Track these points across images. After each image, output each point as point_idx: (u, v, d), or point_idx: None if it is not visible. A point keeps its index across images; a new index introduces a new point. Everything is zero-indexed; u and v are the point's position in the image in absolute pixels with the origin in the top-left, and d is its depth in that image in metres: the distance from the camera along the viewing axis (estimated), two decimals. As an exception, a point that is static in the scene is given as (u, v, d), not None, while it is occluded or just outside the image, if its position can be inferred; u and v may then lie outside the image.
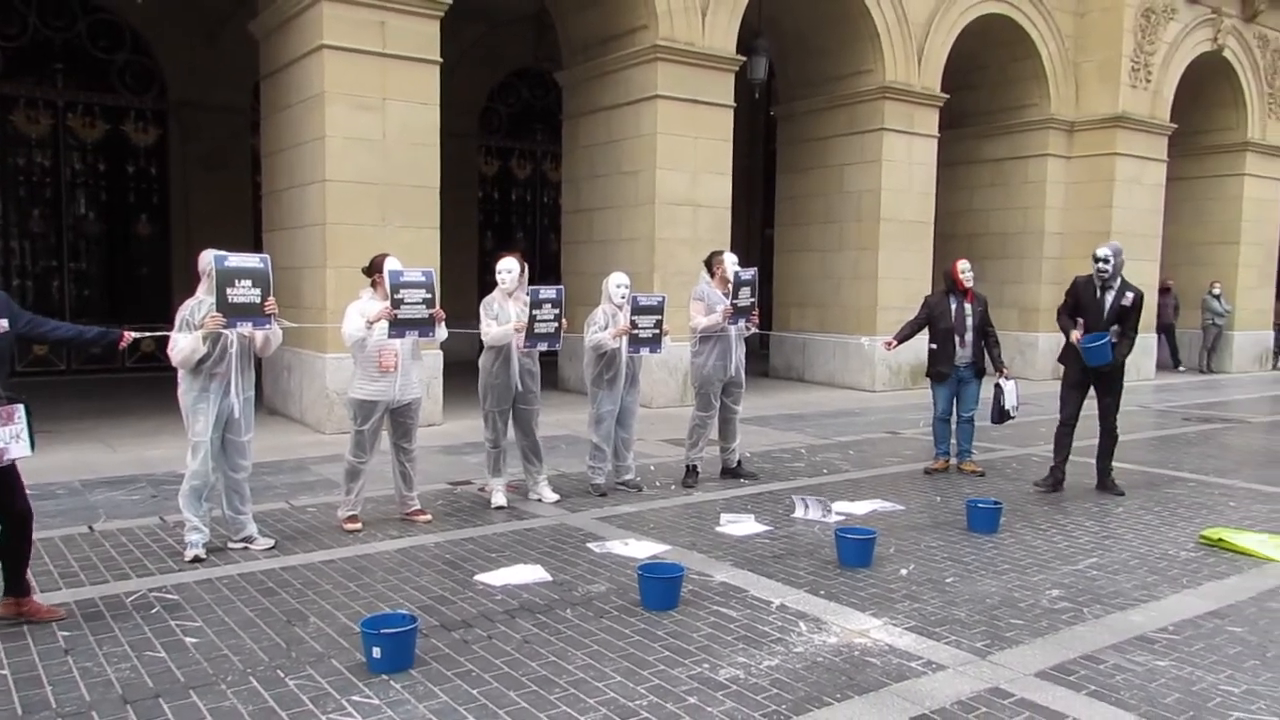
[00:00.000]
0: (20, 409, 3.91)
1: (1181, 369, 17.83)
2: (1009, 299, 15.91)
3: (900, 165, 13.42)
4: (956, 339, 7.57)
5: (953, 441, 7.89)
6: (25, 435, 3.94)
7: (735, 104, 11.78)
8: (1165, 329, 17.59)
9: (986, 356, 7.69)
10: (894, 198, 13.40)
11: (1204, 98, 17.23)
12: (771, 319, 15.67)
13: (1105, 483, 7.18)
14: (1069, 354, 7.14)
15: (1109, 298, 6.89)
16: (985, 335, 7.66)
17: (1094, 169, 15.38)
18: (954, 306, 7.60)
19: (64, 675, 3.67)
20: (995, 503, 6.11)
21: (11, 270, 13.02)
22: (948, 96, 13.86)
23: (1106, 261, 6.74)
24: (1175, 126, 16.02)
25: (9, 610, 4.07)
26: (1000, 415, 7.58)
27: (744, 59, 11.95)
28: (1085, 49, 15.34)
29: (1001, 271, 15.96)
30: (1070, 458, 7.27)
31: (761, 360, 15.79)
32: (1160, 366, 17.37)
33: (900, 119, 13.31)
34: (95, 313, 13.10)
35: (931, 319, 7.76)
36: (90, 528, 5.81)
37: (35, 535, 5.37)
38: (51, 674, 3.68)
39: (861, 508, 6.54)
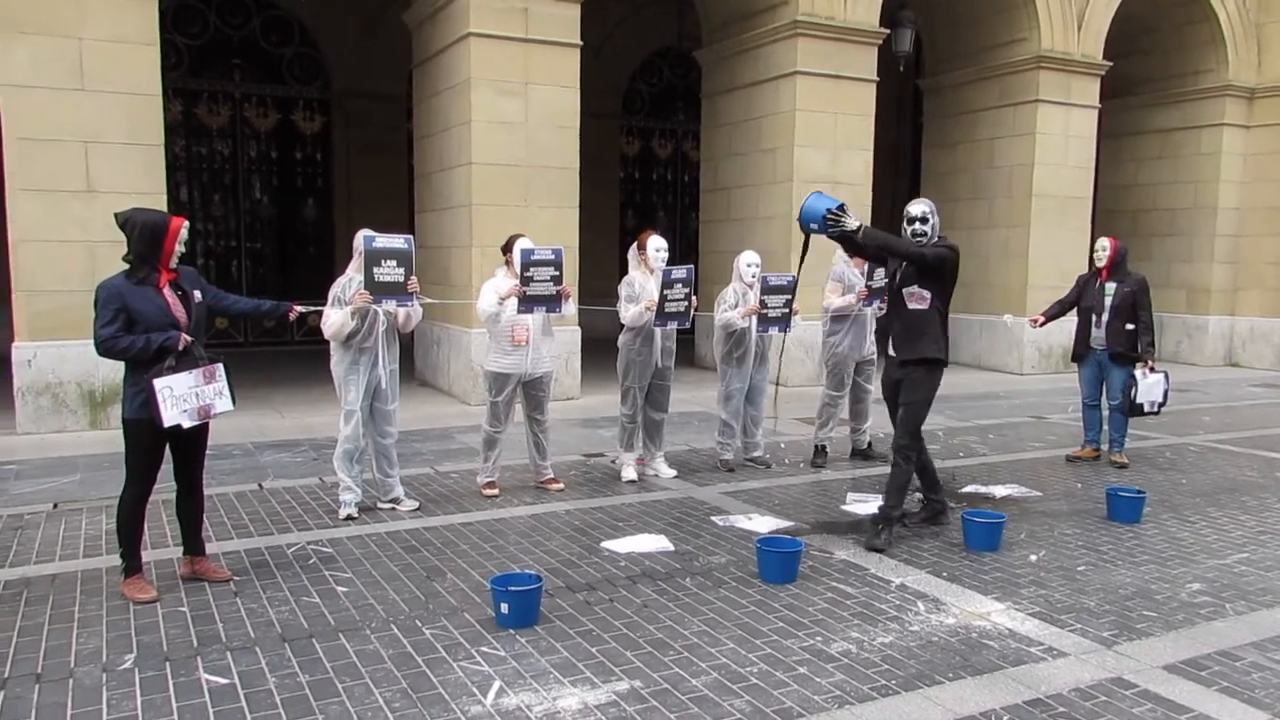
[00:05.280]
0: (220, 368, 4.30)
1: None
2: (1177, 279, 14.97)
3: (1055, 138, 12.80)
4: (1093, 319, 7.24)
5: (1105, 430, 7.53)
6: (227, 391, 4.34)
7: (878, 78, 11.53)
8: None
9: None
10: (1048, 172, 12.80)
11: None
12: (915, 299, 15.29)
13: (929, 510, 5.62)
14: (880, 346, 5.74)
15: None
16: (1137, 319, 7.24)
17: (1279, 139, 14.20)
18: (1095, 286, 7.28)
19: (233, 614, 4.11)
20: (1138, 492, 5.85)
21: (197, 250, 14.21)
22: (1110, 64, 13.09)
23: (925, 221, 5.27)
24: (1376, 89, 14.59)
25: (186, 569, 4.56)
26: (1131, 409, 7.15)
27: (888, 31, 11.67)
28: (1269, 8, 14.15)
29: (1170, 250, 15.02)
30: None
31: (904, 341, 15.44)
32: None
33: (1056, 89, 12.67)
34: (269, 290, 14.17)
35: (1079, 297, 7.46)
36: (260, 485, 6.37)
37: (214, 490, 6.02)
38: (223, 612, 4.12)
39: (997, 492, 6.40)
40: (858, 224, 5.13)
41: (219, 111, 14.15)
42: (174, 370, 4.12)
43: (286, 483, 6.45)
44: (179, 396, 4.13)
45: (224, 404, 4.33)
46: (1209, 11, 13.86)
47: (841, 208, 5.16)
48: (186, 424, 4.18)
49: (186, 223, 4.25)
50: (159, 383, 4.07)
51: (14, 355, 7.89)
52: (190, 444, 4.42)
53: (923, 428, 5.46)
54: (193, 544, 4.55)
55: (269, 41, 14.33)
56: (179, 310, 4.20)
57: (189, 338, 4.18)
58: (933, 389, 5.35)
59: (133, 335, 4.08)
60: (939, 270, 5.18)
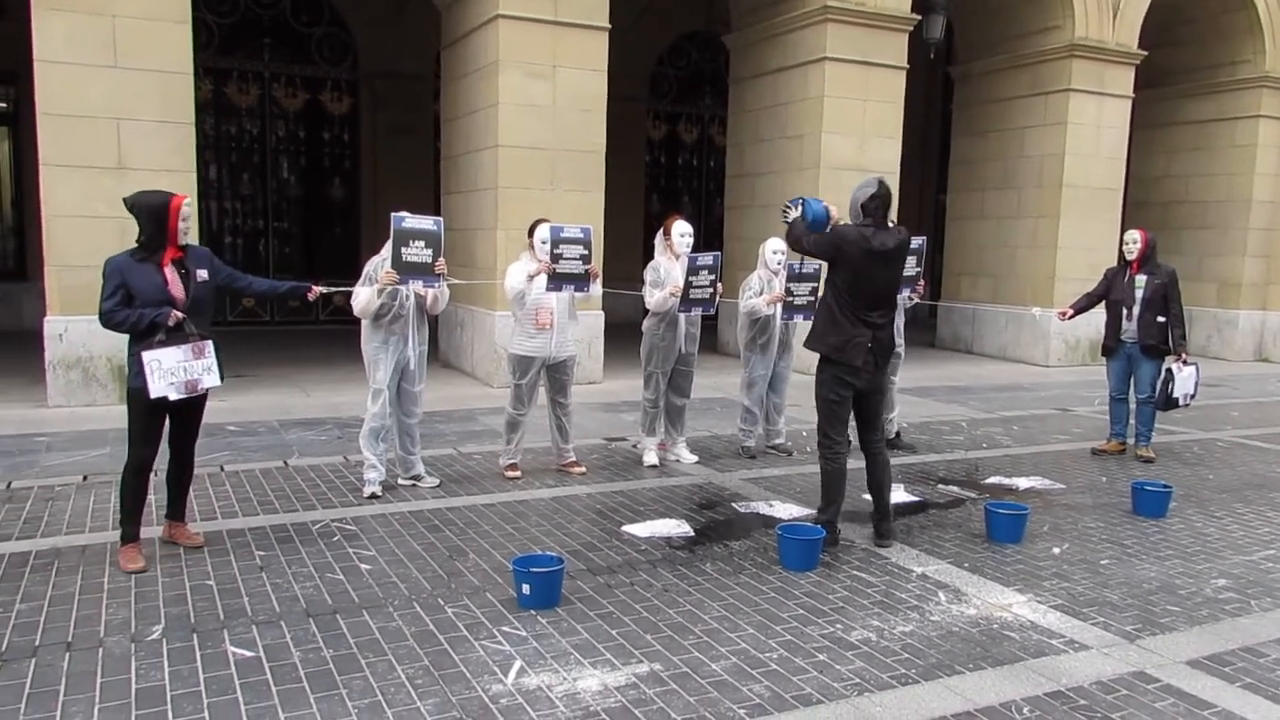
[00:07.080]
0: (210, 344, 4.41)
1: None
2: (1208, 272, 14.77)
3: (1087, 128, 12.63)
4: (1124, 312, 7.17)
5: (1132, 424, 7.46)
6: (215, 368, 4.43)
7: (908, 65, 11.41)
8: None
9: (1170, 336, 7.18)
10: (1079, 162, 12.65)
11: None
12: (940, 288, 15.20)
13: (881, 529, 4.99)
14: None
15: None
16: (1168, 312, 7.14)
17: (1316, 131, 13.96)
18: (1125, 278, 7.20)
19: (259, 588, 4.16)
20: (1164, 486, 5.80)
21: (224, 229, 14.32)
22: (1145, 54, 12.90)
23: (785, 211, 5.09)
24: None
25: (165, 533, 4.69)
26: (1166, 402, 7.08)
27: (919, 18, 11.54)
28: (1311, -3, 13.87)
29: (1201, 243, 14.82)
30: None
31: (928, 330, 15.36)
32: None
33: (1089, 79, 12.51)
34: (294, 269, 14.29)
35: (1108, 291, 7.38)
36: (285, 462, 6.44)
37: (240, 466, 6.09)
38: (249, 587, 4.18)
39: (1020, 484, 6.36)
40: (792, 217, 4.95)
41: (248, 91, 14.22)
42: (164, 344, 4.25)
43: (311, 460, 6.51)
44: (167, 370, 4.26)
45: (211, 379, 4.42)
46: (1246, 0, 13.60)
47: (798, 202, 4.99)
48: (173, 396, 4.29)
49: (187, 198, 4.37)
50: (148, 355, 4.23)
51: (45, 329, 7.99)
52: (186, 417, 4.57)
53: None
54: (174, 510, 4.70)
55: (299, 21, 14.37)
56: (177, 288, 4.32)
57: (180, 315, 4.29)
58: (826, 385, 4.89)
59: (129, 309, 4.24)
60: (827, 259, 4.91)
